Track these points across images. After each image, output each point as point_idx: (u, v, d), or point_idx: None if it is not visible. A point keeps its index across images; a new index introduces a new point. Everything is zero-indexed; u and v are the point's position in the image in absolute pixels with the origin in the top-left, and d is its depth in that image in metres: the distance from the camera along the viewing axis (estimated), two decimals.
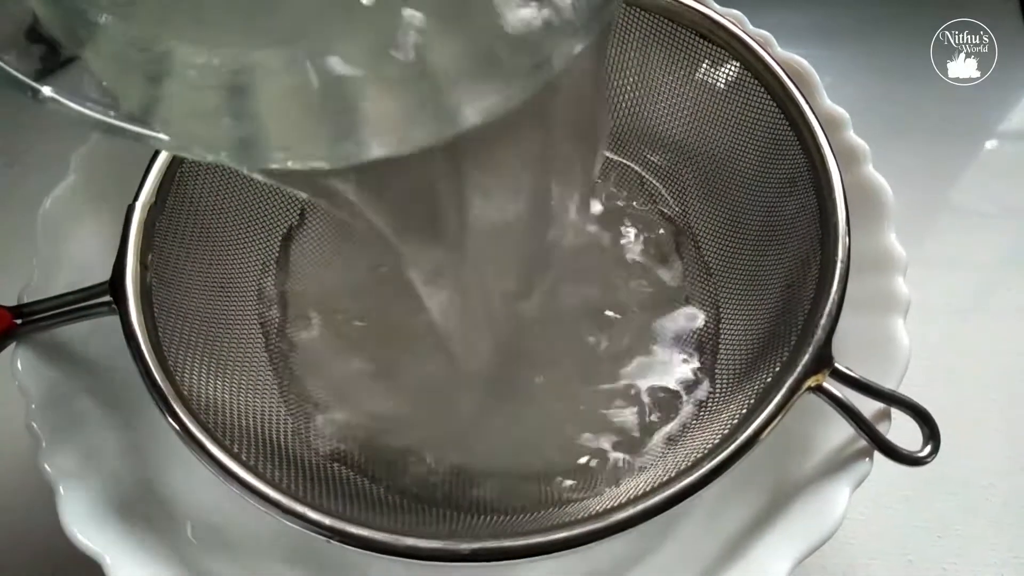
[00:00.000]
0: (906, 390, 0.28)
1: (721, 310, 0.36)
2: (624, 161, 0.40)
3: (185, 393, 0.28)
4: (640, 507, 0.25)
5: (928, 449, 0.28)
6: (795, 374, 0.27)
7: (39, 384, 0.30)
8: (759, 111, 0.34)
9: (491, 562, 0.25)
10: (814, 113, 0.32)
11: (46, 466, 0.29)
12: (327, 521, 0.25)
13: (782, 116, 0.33)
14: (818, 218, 0.30)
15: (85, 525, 0.28)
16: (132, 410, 0.32)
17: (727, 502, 0.31)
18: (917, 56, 0.51)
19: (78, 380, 0.32)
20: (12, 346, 0.30)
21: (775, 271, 0.33)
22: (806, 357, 0.27)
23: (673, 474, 0.26)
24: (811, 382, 0.27)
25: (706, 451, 0.26)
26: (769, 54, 0.34)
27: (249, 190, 0.37)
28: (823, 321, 0.28)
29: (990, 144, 0.53)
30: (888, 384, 0.28)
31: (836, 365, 0.27)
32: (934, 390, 0.41)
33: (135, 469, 0.32)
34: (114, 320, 0.29)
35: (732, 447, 0.26)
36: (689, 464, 0.26)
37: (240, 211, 0.36)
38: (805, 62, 0.36)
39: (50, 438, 0.29)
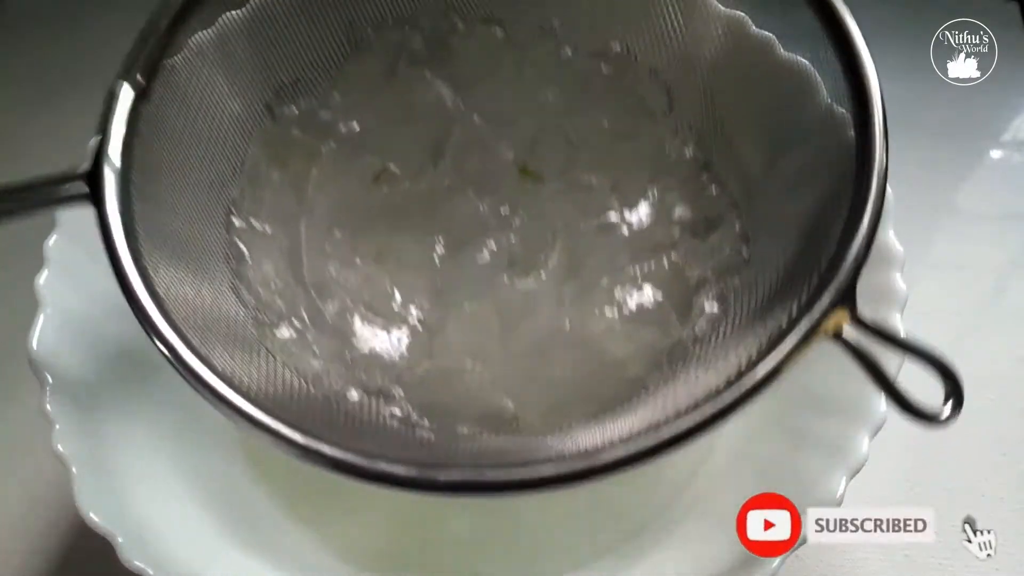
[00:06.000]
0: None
1: (744, 244, 0.34)
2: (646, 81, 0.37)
3: (161, 293, 0.26)
4: (663, 436, 0.24)
5: (948, 408, 0.26)
6: (814, 315, 0.25)
7: (53, 366, 0.31)
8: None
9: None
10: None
11: (60, 448, 0.29)
12: (300, 439, 0.24)
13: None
14: (854, 153, 0.28)
15: (98, 505, 0.29)
16: (145, 391, 0.33)
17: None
18: (917, 56, 0.50)
19: (91, 363, 0.33)
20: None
21: (803, 205, 0.31)
22: (827, 298, 0.25)
23: (683, 411, 0.24)
24: (830, 326, 0.25)
25: (718, 390, 0.24)
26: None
27: (248, 92, 0.34)
28: (848, 264, 0.25)
29: (992, 145, 0.54)
30: None
31: (858, 312, 0.25)
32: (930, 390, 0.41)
33: (146, 448, 0.32)
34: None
35: (747, 386, 0.24)
36: (700, 400, 0.24)
37: (236, 110, 0.34)
38: (808, 63, 0.33)
39: (63, 420, 0.30)
